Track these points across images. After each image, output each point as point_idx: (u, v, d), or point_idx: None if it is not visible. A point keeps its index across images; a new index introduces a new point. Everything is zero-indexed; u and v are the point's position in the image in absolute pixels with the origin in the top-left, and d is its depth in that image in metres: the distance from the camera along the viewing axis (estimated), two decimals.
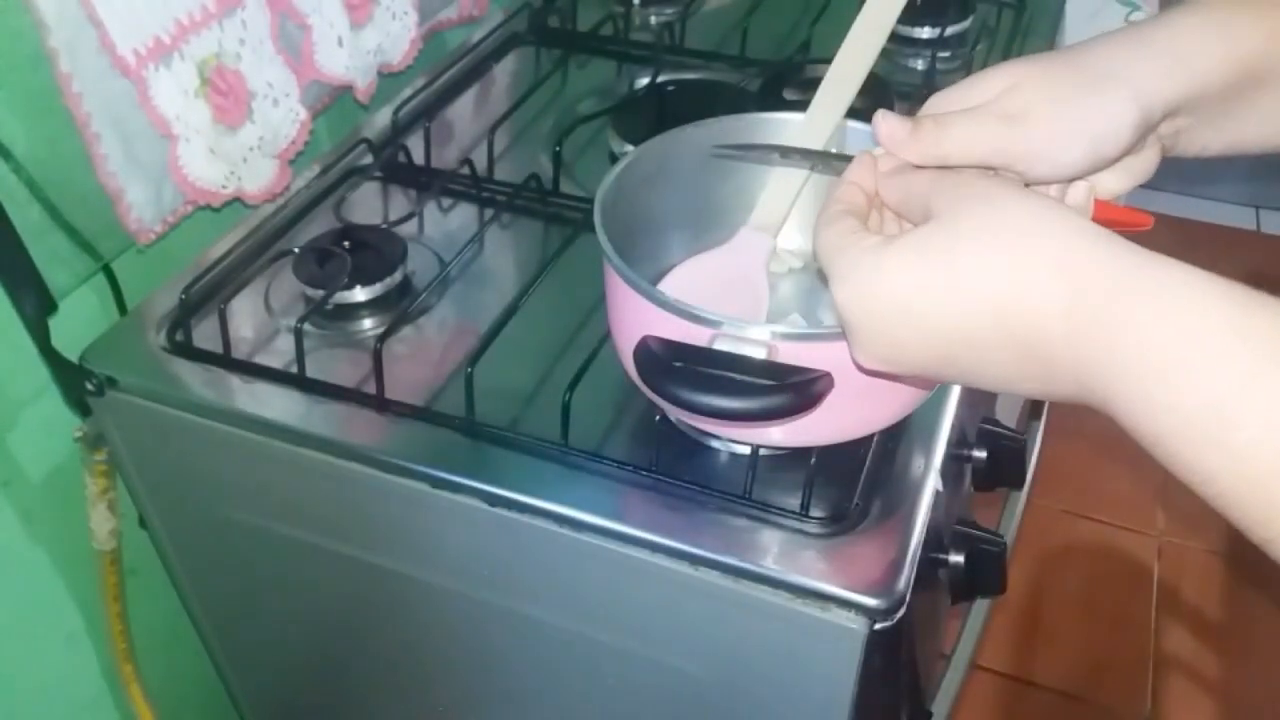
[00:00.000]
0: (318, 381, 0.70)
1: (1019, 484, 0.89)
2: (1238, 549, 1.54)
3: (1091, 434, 1.79)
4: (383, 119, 0.94)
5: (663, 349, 0.55)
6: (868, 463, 0.63)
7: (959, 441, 0.73)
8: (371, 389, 0.69)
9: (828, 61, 0.64)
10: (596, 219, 0.61)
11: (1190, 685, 1.47)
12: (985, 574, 0.72)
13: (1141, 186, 0.54)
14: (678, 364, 0.54)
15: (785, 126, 0.69)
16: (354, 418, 0.68)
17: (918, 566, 0.59)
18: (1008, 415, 1.04)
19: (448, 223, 0.86)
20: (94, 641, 0.84)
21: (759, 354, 0.54)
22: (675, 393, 0.54)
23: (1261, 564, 0.36)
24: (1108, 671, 1.49)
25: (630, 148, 0.86)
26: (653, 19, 1.12)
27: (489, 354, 0.67)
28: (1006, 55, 1.02)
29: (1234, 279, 0.36)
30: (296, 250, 0.78)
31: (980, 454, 0.79)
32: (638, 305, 0.58)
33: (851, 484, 0.62)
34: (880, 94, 0.86)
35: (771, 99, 0.91)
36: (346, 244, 0.79)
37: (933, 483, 0.64)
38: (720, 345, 0.55)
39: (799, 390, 0.53)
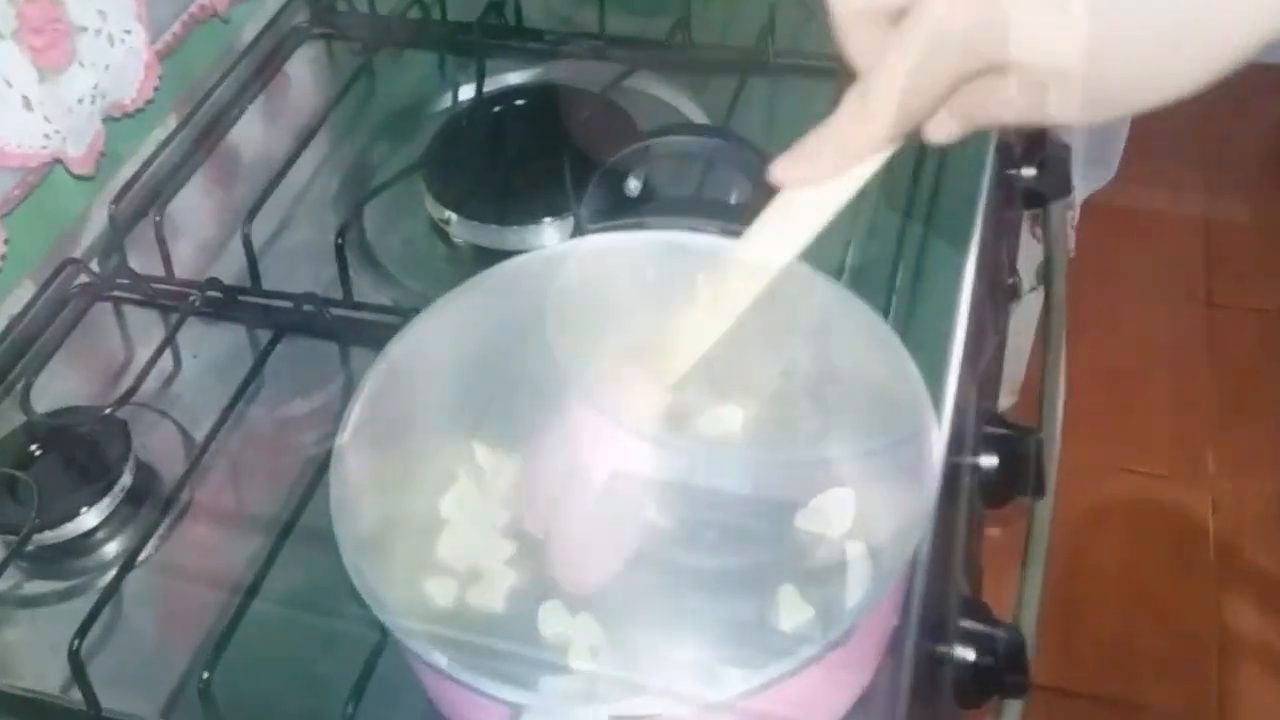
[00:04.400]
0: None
1: (1040, 491, 0.77)
2: None
3: (1121, 369, 1.55)
4: (99, 215, 0.68)
5: None
6: None
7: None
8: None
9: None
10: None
11: (1263, 668, 1.29)
12: None
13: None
14: None
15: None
16: None
17: None
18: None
19: (199, 363, 0.62)
20: None
21: None
22: None
23: None
24: (1158, 660, 1.31)
25: (452, 214, 0.65)
26: None
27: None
28: None
29: None
30: None
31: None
32: None
33: None
34: None
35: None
36: (36, 449, 0.55)
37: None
38: None
39: None
